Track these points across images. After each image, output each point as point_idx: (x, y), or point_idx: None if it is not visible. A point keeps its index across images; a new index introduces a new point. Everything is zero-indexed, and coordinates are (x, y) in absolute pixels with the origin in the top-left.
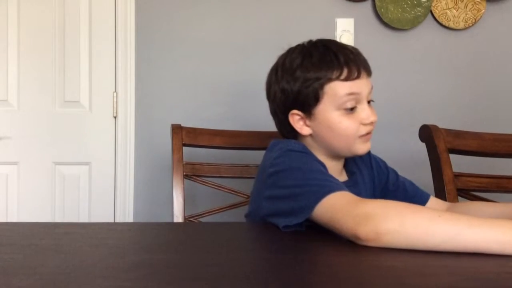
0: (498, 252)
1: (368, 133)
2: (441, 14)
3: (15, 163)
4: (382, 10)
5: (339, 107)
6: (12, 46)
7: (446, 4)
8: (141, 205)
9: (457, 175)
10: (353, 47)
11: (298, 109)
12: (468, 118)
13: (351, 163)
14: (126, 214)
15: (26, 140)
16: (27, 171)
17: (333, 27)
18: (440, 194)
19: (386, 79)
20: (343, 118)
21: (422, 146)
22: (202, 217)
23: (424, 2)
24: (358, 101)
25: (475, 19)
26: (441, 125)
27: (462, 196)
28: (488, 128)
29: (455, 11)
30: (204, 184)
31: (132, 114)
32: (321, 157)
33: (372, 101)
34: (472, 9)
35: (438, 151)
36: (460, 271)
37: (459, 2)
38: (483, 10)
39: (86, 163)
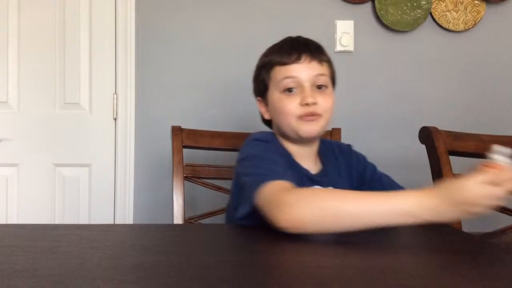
0: (413, 223)
1: (307, 115)
2: (441, 16)
3: (15, 165)
4: (382, 12)
5: (280, 89)
6: (12, 47)
7: (445, 6)
8: (141, 207)
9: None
10: (310, 40)
11: (260, 96)
12: (468, 120)
13: (327, 154)
14: (126, 215)
15: (26, 142)
16: (27, 173)
17: (333, 29)
18: None
19: (386, 81)
20: (283, 98)
21: (422, 147)
22: (202, 219)
23: (424, 4)
24: (298, 85)
25: (475, 21)
26: (441, 126)
27: None
28: (488, 129)
29: (454, 13)
30: (204, 186)
31: (132, 116)
32: (286, 143)
33: (325, 86)
34: (471, 11)
35: (438, 152)
36: (461, 273)
37: (459, 4)
38: (483, 12)
39: (86, 165)
